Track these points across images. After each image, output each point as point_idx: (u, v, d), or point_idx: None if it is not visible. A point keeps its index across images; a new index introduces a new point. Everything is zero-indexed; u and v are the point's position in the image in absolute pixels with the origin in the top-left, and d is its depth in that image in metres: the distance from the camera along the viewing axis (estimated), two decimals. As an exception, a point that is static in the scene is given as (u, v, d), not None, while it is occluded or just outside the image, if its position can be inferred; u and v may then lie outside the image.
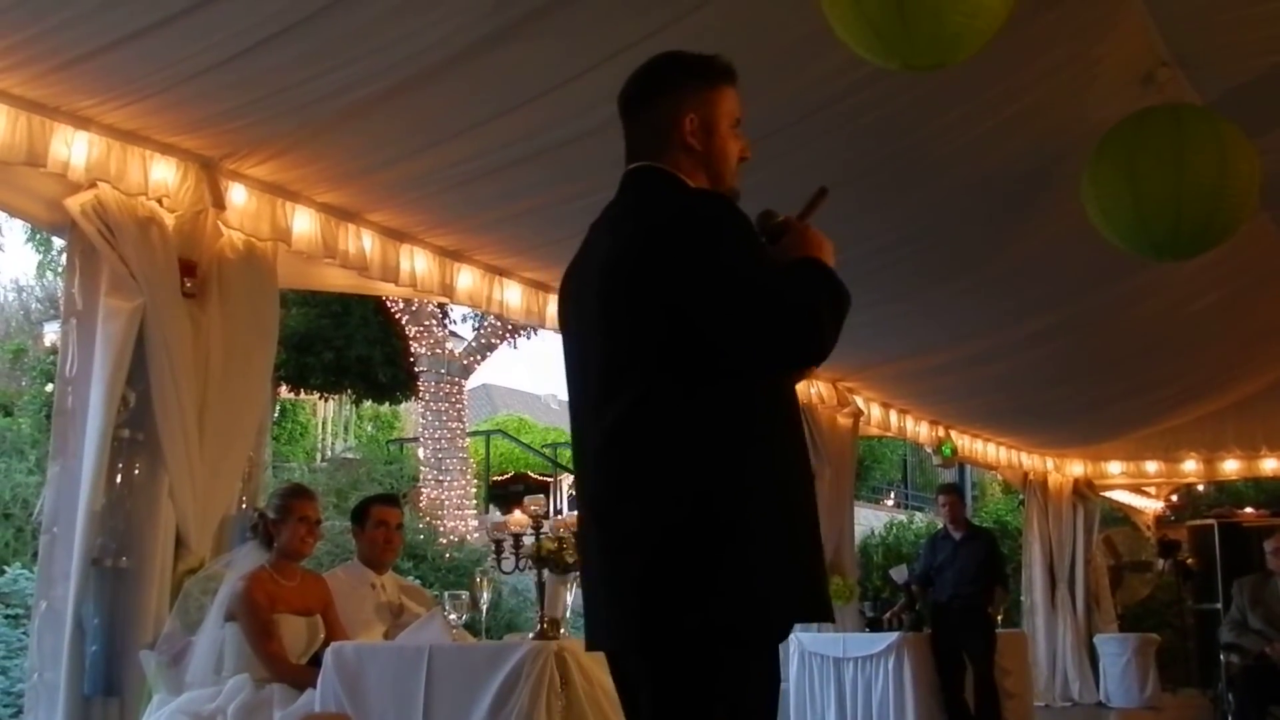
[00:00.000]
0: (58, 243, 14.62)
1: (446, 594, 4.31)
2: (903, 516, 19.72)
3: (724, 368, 2.33)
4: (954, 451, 11.30)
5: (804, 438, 2.50)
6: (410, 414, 20.90)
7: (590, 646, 2.53)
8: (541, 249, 6.22)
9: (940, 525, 9.71)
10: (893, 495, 26.85)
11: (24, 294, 25.19)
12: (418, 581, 8.55)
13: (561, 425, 24.65)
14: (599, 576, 2.40)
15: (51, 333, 18.62)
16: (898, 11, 3.41)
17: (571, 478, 19.03)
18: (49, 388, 11.97)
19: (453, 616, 4.20)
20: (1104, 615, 13.03)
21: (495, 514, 14.52)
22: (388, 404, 19.39)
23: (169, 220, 4.81)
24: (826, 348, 2.34)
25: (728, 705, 2.29)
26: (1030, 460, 12.82)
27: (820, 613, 2.39)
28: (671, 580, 2.25)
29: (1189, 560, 13.50)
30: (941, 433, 11.13)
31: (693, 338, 2.32)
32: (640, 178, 2.62)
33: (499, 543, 4.44)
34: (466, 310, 14.35)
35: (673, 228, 2.40)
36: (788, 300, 2.32)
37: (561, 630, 4.18)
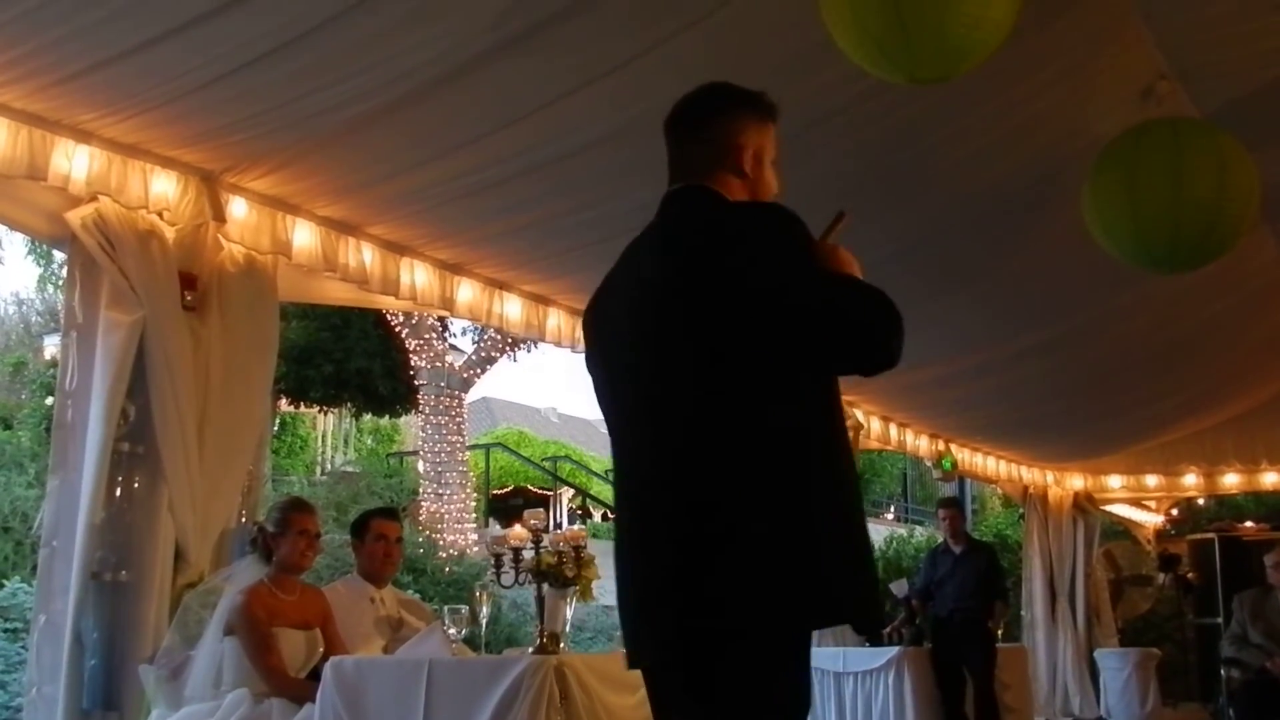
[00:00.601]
0: (58, 256, 14.64)
1: (446, 608, 4.30)
2: (903, 530, 19.69)
3: (791, 374, 2.40)
4: (954, 465, 11.29)
5: (850, 444, 2.58)
6: (410, 427, 20.89)
7: (639, 660, 2.55)
8: (541, 262, 6.23)
9: (940, 539, 9.71)
10: (893, 509, 26.86)
11: (24, 307, 25.23)
12: (417, 595, 8.55)
13: (561, 439, 24.65)
14: (667, 587, 2.41)
15: (51, 346, 18.64)
16: (899, 25, 3.41)
17: (570, 491, 19.10)
18: (49, 401, 11.98)
19: (452, 630, 4.19)
20: (1104, 629, 13.00)
21: (495, 528, 14.51)
22: (387, 417, 19.38)
23: (169, 233, 4.81)
24: (898, 355, 2.43)
25: (801, 693, 2.43)
26: (1030, 474, 12.81)
27: (878, 611, 2.55)
28: (756, 586, 2.32)
29: (1189, 574, 13.48)
30: (941, 446, 11.12)
31: (764, 347, 2.38)
32: (694, 195, 2.63)
33: (499, 557, 4.43)
34: (466, 323, 14.36)
35: (749, 238, 2.44)
36: (866, 308, 2.42)
37: (561, 644, 4.17)
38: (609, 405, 2.66)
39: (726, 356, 2.39)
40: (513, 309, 6.54)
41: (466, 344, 16.38)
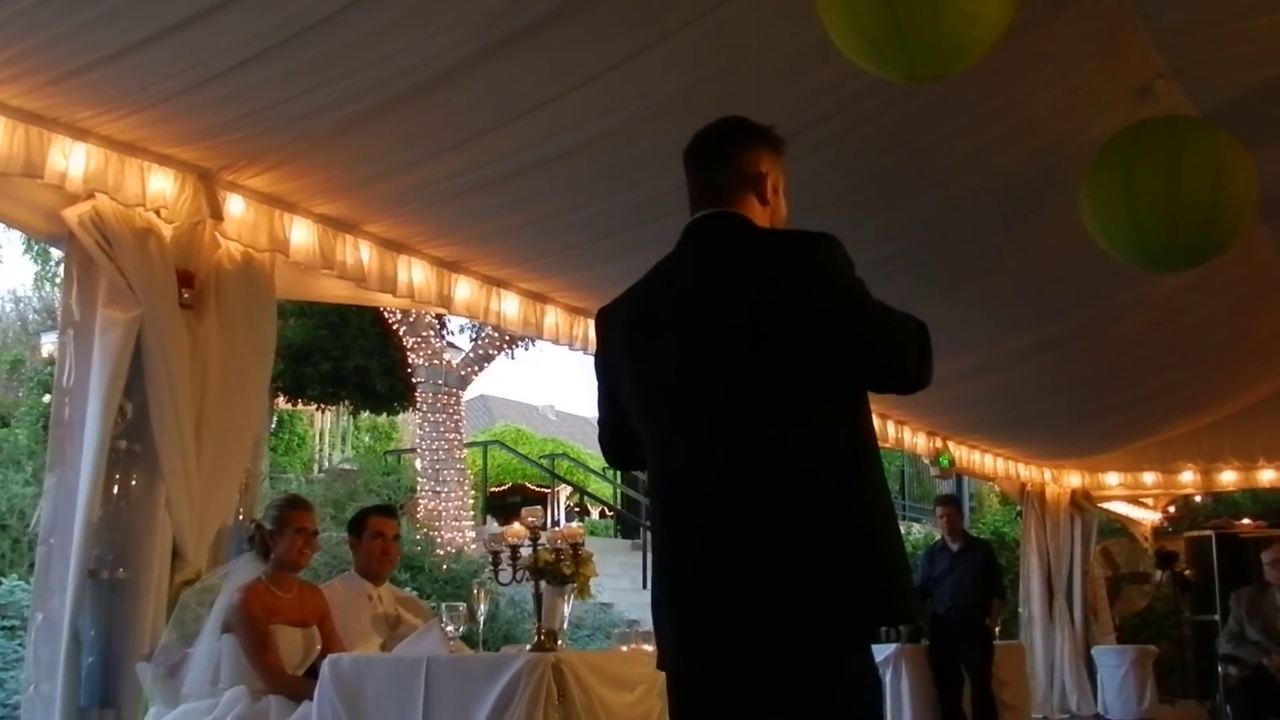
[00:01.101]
0: (55, 254, 14.62)
1: (444, 605, 4.31)
2: (900, 528, 19.64)
3: (847, 392, 2.57)
4: (952, 463, 11.30)
5: None
6: (408, 425, 20.86)
7: (703, 666, 2.59)
8: (539, 260, 6.23)
9: (938, 537, 9.71)
10: (890, 506, 26.80)
11: (21, 305, 25.19)
12: (415, 593, 8.54)
13: (559, 436, 24.64)
14: (737, 596, 2.49)
15: (49, 343, 18.63)
16: (894, 23, 3.42)
17: (568, 489, 19.11)
18: (46, 399, 11.95)
19: (450, 628, 4.19)
20: (1102, 626, 13.01)
21: (493, 525, 14.48)
22: (385, 415, 19.37)
23: (166, 231, 4.81)
24: (931, 378, 2.65)
25: (872, 690, 2.58)
26: (1028, 471, 12.82)
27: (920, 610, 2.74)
28: (833, 594, 2.44)
29: (1187, 571, 13.49)
30: (939, 444, 11.12)
31: (827, 367, 2.52)
32: (732, 220, 2.75)
33: (496, 554, 4.44)
34: (464, 321, 14.35)
35: (815, 263, 2.57)
36: (916, 335, 2.61)
37: (559, 642, 4.17)
38: (645, 415, 2.74)
39: (793, 375, 2.51)
40: (510, 307, 6.54)
41: (464, 342, 16.36)
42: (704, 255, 2.74)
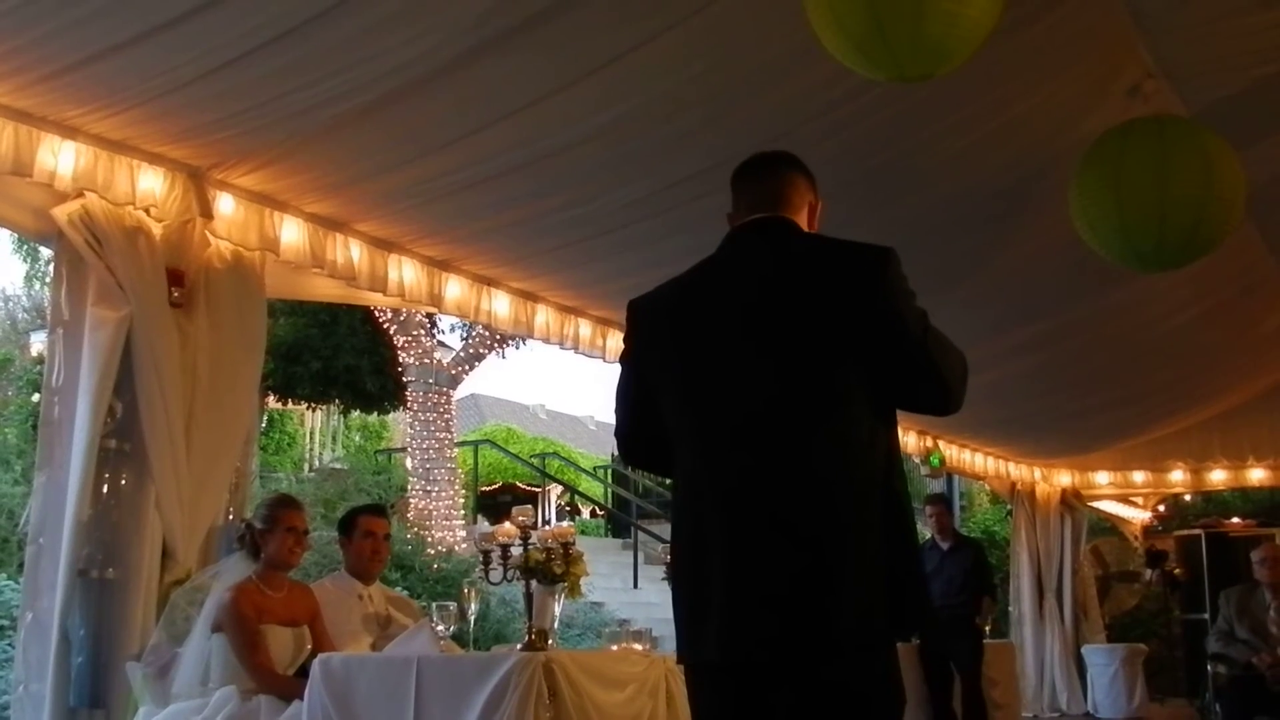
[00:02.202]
0: (45, 253, 14.59)
1: (434, 605, 4.30)
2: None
3: (884, 403, 2.67)
4: (942, 462, 11.31)
5: None
6: (398, 424, 20.86)
7: (743, 657, 2.62)
8: (530, 259, 6.23)
9: (928, 536, 9.72)
10: (881, 505, 26.84)
11: (10, 304, 25.14)
12: (405, 592, 8.53)
13: (550, 435, 24.63)
14: (782, 592, 2.54)
15: (38, 342, 18.56)
16: (876, 26, 3.42)
17: (559, 488, 19.10)
18: (35, 398, 11.93)
19: (440, 627, 4.19)
20: (1092, 625, 13.05)
21: (483, 524, 14.49)
22: (375, 414, 19.36)
23: (156, 230, 4.80)
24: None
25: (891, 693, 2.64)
26: (1018, 470, 12.84)
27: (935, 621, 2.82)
28: (876, 598, 2.53)
29: (1176, 570, 13.53)
30: (930, 443, 11.14)
31: (880, 375, 2.63)
32: (793, 227, 2.85)
33: (487, 553, 4.43)
34: (455, 320, 14.35)
35: (887, 274, 2.68)
36: (961, 363, 2.79)
37: (550, 641, 4.17)
38: (685, 408, 2.76)
39: (846, 383, 2.60)
40: (501, 305, 6.54)
41: (455, 341, 16.36)
42: (761, 254, 2.78)
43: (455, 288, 6.23)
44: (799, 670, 2.54)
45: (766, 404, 2.63)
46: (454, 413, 14.74)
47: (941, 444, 11.33)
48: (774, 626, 2.54)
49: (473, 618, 4.40)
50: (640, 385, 2.87)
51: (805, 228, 2.87)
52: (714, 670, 2.67)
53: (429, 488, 13.77)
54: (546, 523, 13.13)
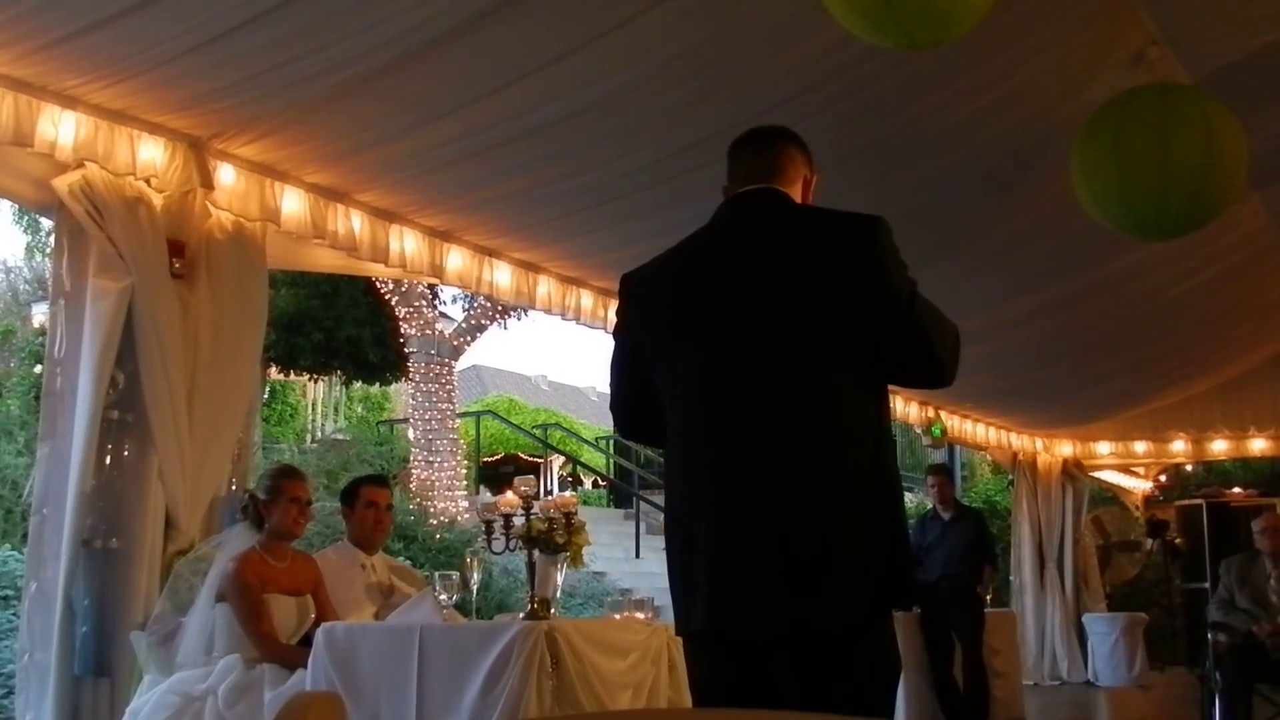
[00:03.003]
0: (46, 224, 14.58)
1: (437, 574, 4.31)
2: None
3: (882, 375, 2.69)
4: (944, 432, 11.33)
5: None
6: (400, 395, 20.88)
7: (730, 629, 2.63)
8: (531, 229, 6.21)
9: (930, 506, 9.74)
10: (883, 476, 26.85)
11: (12, 275, 25.10)
12: (408, 562, 8.56)
13: (552, 406, 24.66)
14: (782, 563, 2.54)
15: (40, 314, 18.56)
16: None
17: (561, 458, 19.12)
18: (37, 369, 11.93)
19: (443, 597, 4.20)
20: (1092, 594, 13.09)
21: (485, 495, 14.50)
22: (377, 385, 19.39)
23: (157, 200, 4.79)
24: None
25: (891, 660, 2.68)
26: (1019, 441, 12.85)
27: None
28: (874, 571, 2.55)
29: (1177, 540, 13.55)
30: (931, 413, 11.15)
31: (879, 348, 2.64)
32: (786, 198, 2.86)
33: (489, 523, 4.44)
34: (456, 291, 14.33)
35: (885, 246, 2.69)
36: (953, 336, 2.77)
37: (552, 610, 4.19)
38: (681, 380, 2.75)
39: (839, 353, 2.60)
40: (502, 276, 6.53)
41: (456, 311, 16.35)
42: (756, 225, 2.79)
43: (457, 258, 6.22)
44: (790, 642, 2.56)
45: (758, 379, 2.63)
46: (456, 384, 14.75)
47: (943, 414, 11.33)
48: (761, 598, 2.55)
49: (475, 587, 4.42)
50: (635, 359, 2.88)
51: (799, 200, 2.88)
52: (709, 640, 2.68)
53: (431, 458, 13.79)
54: (549, 493, 13.16)
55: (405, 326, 14.08)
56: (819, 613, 2.52)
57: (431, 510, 12.77)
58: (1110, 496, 14.68)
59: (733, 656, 2.65)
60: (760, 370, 2.63)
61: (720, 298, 2.72)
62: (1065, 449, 13.20)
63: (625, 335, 2.93)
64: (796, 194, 2.88)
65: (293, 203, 5.27)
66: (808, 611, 2.52)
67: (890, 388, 2.81)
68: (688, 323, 2.76)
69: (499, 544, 4.38)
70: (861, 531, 2.53)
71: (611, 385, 2.96)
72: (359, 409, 23.17)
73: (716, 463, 2.66)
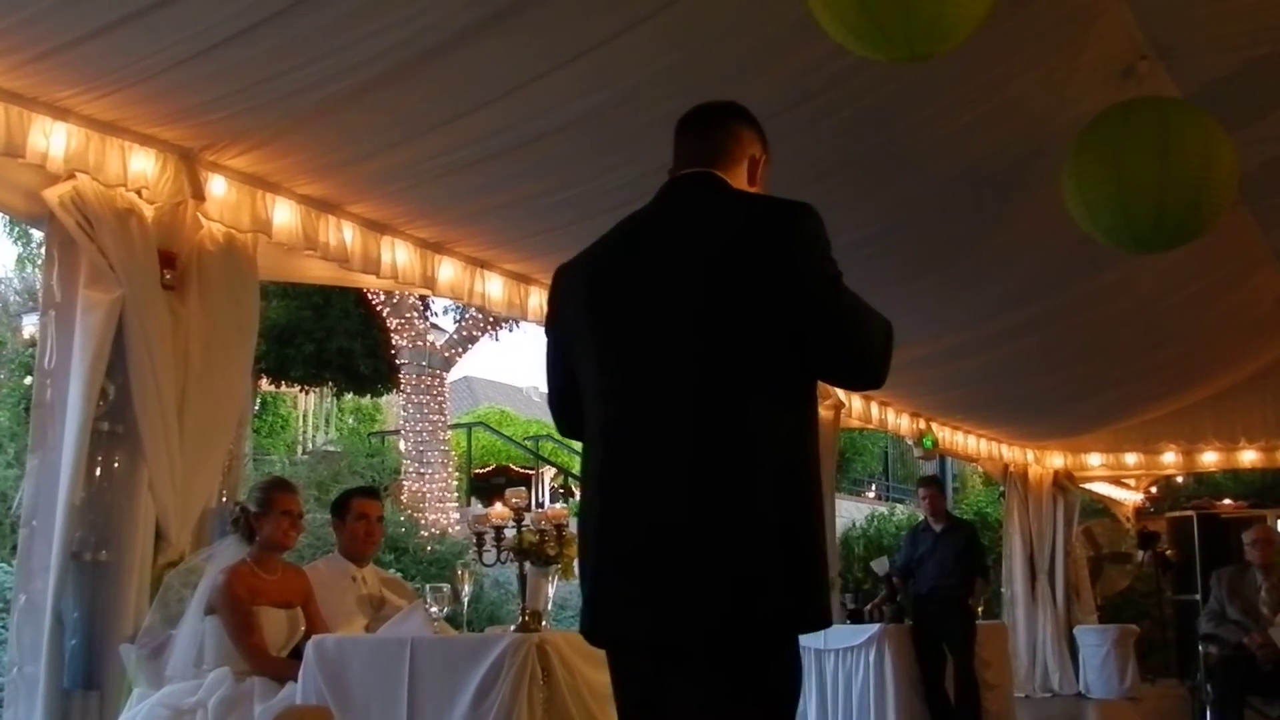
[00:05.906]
0: (37, 235, 14.53)
1: (428, 586, 4.31)
2: (884, 509, 19.74)
3: (798, 372, 2.50)
4: (935, 443, 11.34)
5: None
6: (391, 407, 20.84)
7: (644, 636, 2.50)
8: (522, 241, 6.22)
9: (921, 517, 9.74)
10: (874, 488, 26.94)
11: (2, 286, 25.02)
12: (399, 574, 8.55)
13: (543, 418, 24.60)
14: (685, 570, 2.40)
15: (30, 325, 18.51)
16: (866, 9, 3.41)
17: (552, 470, 19.06)
18: (28, 380, 11.90)
19: (434, 609, 4.20)
20: (1084, 606, 13.10)
21: (477, 506, 14.48)
22: (369, 396, 19.34)
23: (148, 212, 4.79)
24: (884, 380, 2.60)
25: (789, 686, 2.49)
26: (1011, 452, 12.88)
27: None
28: (767, 576, 2.38)
29: (1168, 551, 13.58)
30: (922, 425, 11.16)
31: (802, 343, 2.46)
32: (713, 181, 2.70)
33: (480, 535, 4.44)
34: (448, 302, 14.32)
35: (811, 235, 2.51)
36: (881, 331, 2.55)
37: (543, 622, 4.18)
38: (599, 375, 2.63)
39: (756, 347, 2.45)
40: (494, 288, 6.53)
41: (448, 323, 16.34)
42: (680, 212, 2.68)
43: (449, 270, 6.22)
44: (677, 651, 2.45)
45: (669, 379, 2.50)
46: (447, 395, 14.75)
47: (935, 426, 11.35)
48: (641, 606, 2.45)
49: (466, 599, 4.42)
50: (562, 355, 2.77)
51: (746, 181, 2.73)
52: (593, 643, 2.62)
53: (422, 470, 13.78)
54: (540, 505, 13.14)
55: (396, 338, 14.07)
56: (677, 623, 2.40)
57: (423, 522, 12.76)
58: (1101, 508, 14.72)
59: (619, 663, 2.59)
60: (672, 369, 2.50)
61: (636, 293, 2.61)
62: (1056, 460, 13.22)
63: (552, 330, 2.83)
64: (741, 175, 2.72)
65: (284, 214, 5.27)
66: (682, 622, 2.40)
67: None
68: (603, 320, 2.65)
69: (490, 556, 4.38)
70: (761, 544, 2.37)
71: (547, 383, 2.90)
72: (350, 420, 23.12)
73: (621, 457, 2.56)
